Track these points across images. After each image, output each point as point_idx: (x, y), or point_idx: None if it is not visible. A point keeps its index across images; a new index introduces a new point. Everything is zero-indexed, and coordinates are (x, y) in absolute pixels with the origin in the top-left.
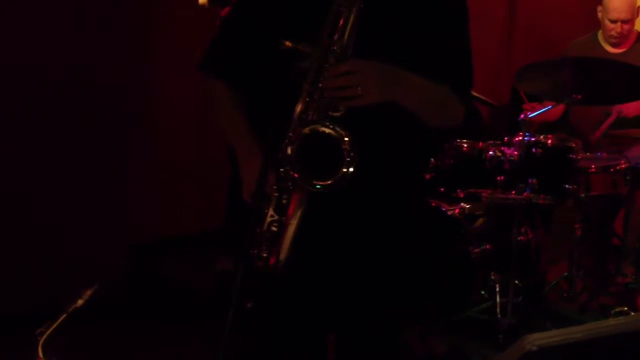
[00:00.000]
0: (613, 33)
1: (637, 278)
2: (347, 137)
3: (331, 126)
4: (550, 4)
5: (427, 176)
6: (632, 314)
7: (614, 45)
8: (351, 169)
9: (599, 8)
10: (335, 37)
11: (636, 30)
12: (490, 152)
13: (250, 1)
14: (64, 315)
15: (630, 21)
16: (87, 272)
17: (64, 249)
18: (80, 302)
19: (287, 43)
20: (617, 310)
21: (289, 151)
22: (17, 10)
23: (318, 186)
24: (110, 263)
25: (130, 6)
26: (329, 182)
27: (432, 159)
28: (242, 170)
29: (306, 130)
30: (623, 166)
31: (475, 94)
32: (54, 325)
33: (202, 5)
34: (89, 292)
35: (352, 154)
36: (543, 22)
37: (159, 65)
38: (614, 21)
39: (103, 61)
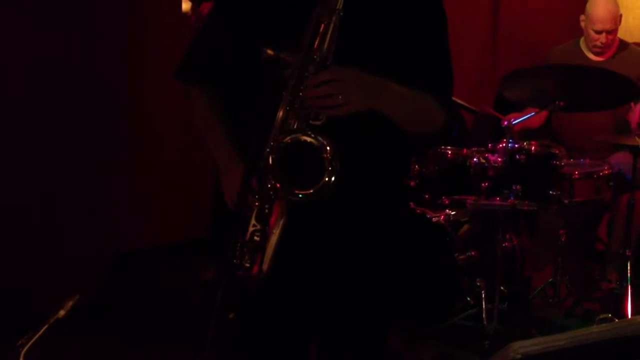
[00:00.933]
0: (598, 43)
1: (621, 284)
2: (328, 146)
3: (312, 135)
4: (533, 11)
5: (412, 183)
6: (616, 320)
7: (597, 54)
8: (333, 178)
9: (582, 17)
10: (316, 45)
11: (618, 38)
12: (475, 159)
13: (228, 7)
14: (46, 326)
15: (614, 31)
16: (72, 281)
17: (48, 258)
18: (62, 312)
19: (269, 51)
20: (601, 317)
21: (270, 160)
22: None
23: (300, 195)
24: (95, 271)
25: (115, 15)
26: (311, 191)
27: (416, 166)
28: (223, 179)
29: (287, 139)
30: (606, 172)
31: (459, 101)
32: (36, 336)
33: (185, 13)
34: (70, 303)
35: (333, 163)
36: (526, 29)
37: (144, 74)
38: (599, 32)
39: (89, 72)
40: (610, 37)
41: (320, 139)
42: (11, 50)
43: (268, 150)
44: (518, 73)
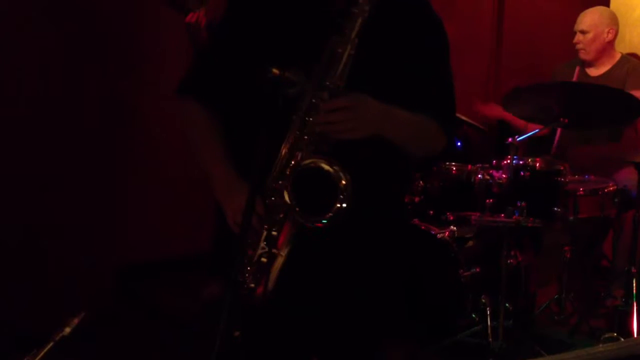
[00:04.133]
0: (575, 44)
1: (627, 301)
2: (344, 174)
3: (330, 162)
4: (536, 29)
5: (417, 199)
6: (622, 339)
7: (587, 63)
8: (344, 205)
9: None
10: (330, 72)
11: (620, 52)
12: (479, 175)
13: (234, 26)
14: (51, 344)
15: (587, 33)
16: (72, 297)
17: (48, 273)
18: (67, 330)
19: (275, 70)
20: (606, 336)
21: (288, 184)
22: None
23: (320, 221)
24: (96, 287)
25: (115, 25)
26: (327, 217)
27: (421, 182)
28: (223, 200)
29: (308, 163)
30: (611, 189)
31: (463, 117)
32: (41, 354)
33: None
34: (76, 320)
35: (347, 191)
36: (529, 46)
37: (145, 85)
38: (574, 32)
39: (89, 84)
40: (581, 38)
41: (336, 167)
42: (8, 59)
43: (288, 173)
44: (520, 90)
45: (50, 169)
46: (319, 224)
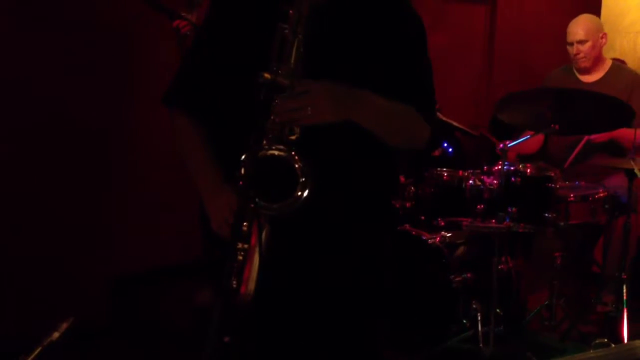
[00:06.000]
0: (572, 56)
1: (617, 306)
2: (297, 157)
3: (280, 148)
4: (528, 36)
5: (408, 204)
6: (612, 345)
7: (580, 71)
8: (306, 192)
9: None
10: (282, 60)
11: (611, 59)
12: (470, 181)
13: (215, 34)
14: (39, 349)
15: (585, 42)
16: (66, 305)
17: (42, 282)
18: (56, 335)
19: (266, 75)
20: (597, 341)
21: (243, 176)
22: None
23: (270, 207)
24: (89, 295)
25: (106, 36)
26: (281, 203)
27: (412, 188)
28: (208, 204)
29: (260, 154)
30: (602, 195)
31: (455, 123)
32: (29, 359)
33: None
34: (65, 325)
35: (305, 174)
36: (521, 53)
37: (139, 96)
38: (570, 44)
39: (83, 93)
40: (581, 47)
41: (288, 151)
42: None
43: (241, 166)
44: (512, 96)
45: (44, 175)
46: (276, 212)
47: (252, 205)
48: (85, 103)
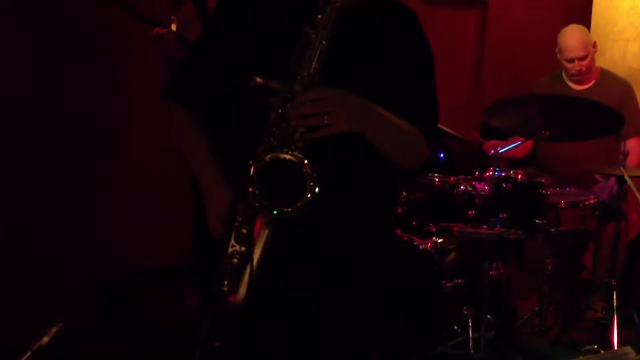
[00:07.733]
0: (573, 72)
1: (607, 313)
2: (307, 161)
3: (290, 152)
4: (518, 41)
5: (399, 210)
6: (602, 351)
7: (577, 82)
8: (315, 193)
9: (557, 49)
10: (303, 64)
11: (599, 66)
12: (462, 187)
13: (218, 31)
14: (29, 353)
15: (586, 57)
16: (56, 306)
17: (31, 282)
18: (45, 339)
19: (258, 79)
20: (587, 348)
21: (251, 179)
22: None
23: (276, 212)
24: (79, 296)
25: (97, 35)
26: (291, 208)
27: (403, 193)
28: (208, 201)
29: (267, 157)
30: (592, 202)
31: (446, 128)
32: None
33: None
34: (54, 329)
35: (314, 178)
36: (511, 58)
37: (128, 95)
38: (570, 60)
39: (70, 93)
40: (583, 63)
41: (298, 155)
42: None
43: (249, 168)
44: (503, 102)
45: (34, 176)
46: (282, 216)
47: (253, 214)
48: (74, 103)
